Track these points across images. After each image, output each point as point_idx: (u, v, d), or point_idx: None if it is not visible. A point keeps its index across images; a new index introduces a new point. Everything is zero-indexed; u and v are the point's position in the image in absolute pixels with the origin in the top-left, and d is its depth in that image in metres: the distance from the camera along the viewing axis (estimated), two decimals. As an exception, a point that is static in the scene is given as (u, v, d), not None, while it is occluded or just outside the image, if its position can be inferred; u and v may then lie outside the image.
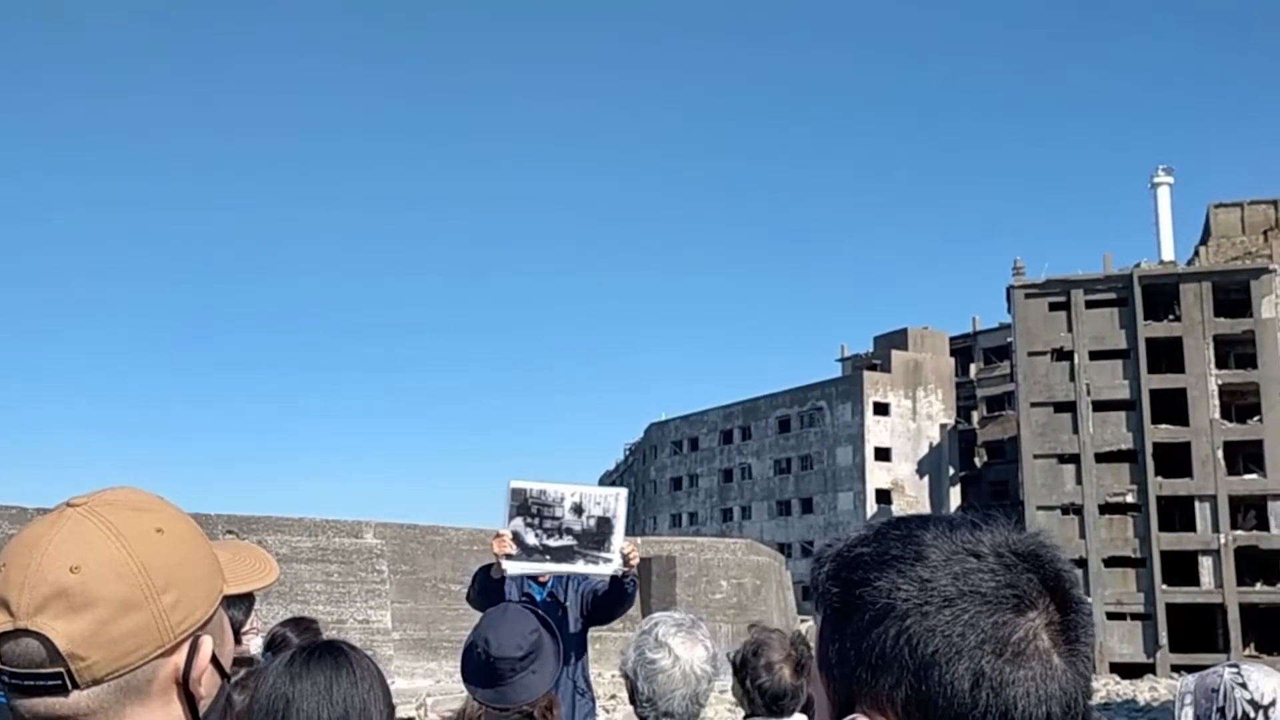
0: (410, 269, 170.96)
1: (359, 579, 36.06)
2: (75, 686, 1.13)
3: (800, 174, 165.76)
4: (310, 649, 2.09)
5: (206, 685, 1.23)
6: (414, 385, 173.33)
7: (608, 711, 25.20)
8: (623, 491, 5.30)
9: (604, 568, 5.09)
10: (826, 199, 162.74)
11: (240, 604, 3.82)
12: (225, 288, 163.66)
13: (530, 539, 5.07)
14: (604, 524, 5.10)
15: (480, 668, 3.49)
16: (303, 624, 4.22)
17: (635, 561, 5.15)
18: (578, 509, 5.09)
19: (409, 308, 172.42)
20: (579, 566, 5.09)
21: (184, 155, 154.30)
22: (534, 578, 5.31)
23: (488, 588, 5.21)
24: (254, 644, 3.90)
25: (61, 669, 1.12)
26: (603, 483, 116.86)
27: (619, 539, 5.12)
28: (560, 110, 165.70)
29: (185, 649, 1.20)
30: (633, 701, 3.04)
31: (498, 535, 5.11)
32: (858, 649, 0.97)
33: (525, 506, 5.10)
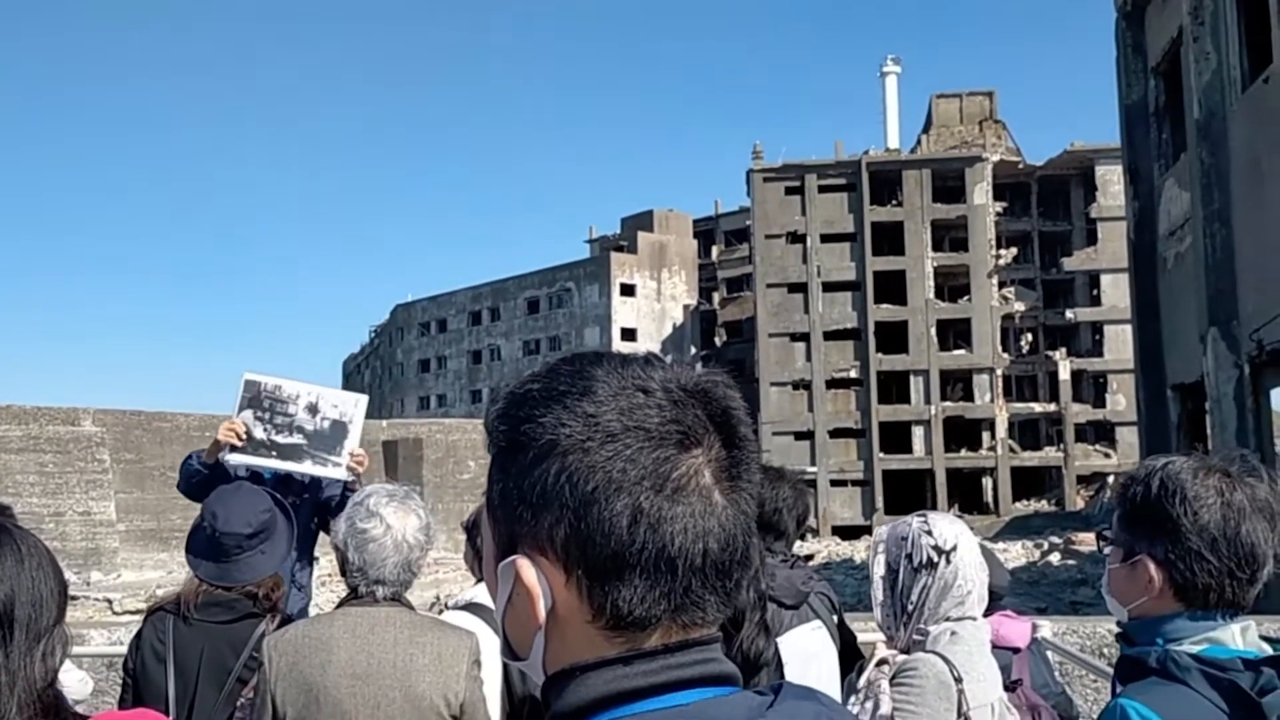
0: (132, 138, 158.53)
1: (77, 469, 33.84)
2: None
3: (550, 56, 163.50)
4: None
5: None
6: (136, 264, 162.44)
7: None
8: (363, 398, 5.18)
9: (331, 471, 4.99)
10: (577, 85, 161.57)
11: None
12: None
13: (259, 432, 4.91)
14: (338, 427, 4.99)
15: (206, 543, 3.34)
16: None
17: (361, 469, 5.00)
18: (313, 409, 4.96)
19: (128, 177, 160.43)
20: (305, 466, 4.96)
21: None
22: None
23: (201, 476, 4.94)
24: None
25: None
26: (348, 366, 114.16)
27: (351, 444, 5.00)
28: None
29: None
30: (343, 573, 2.97)
31: (228, 422, 4.91)
32: (520, 488, 0.93)
33: (258, 399, 4.93)
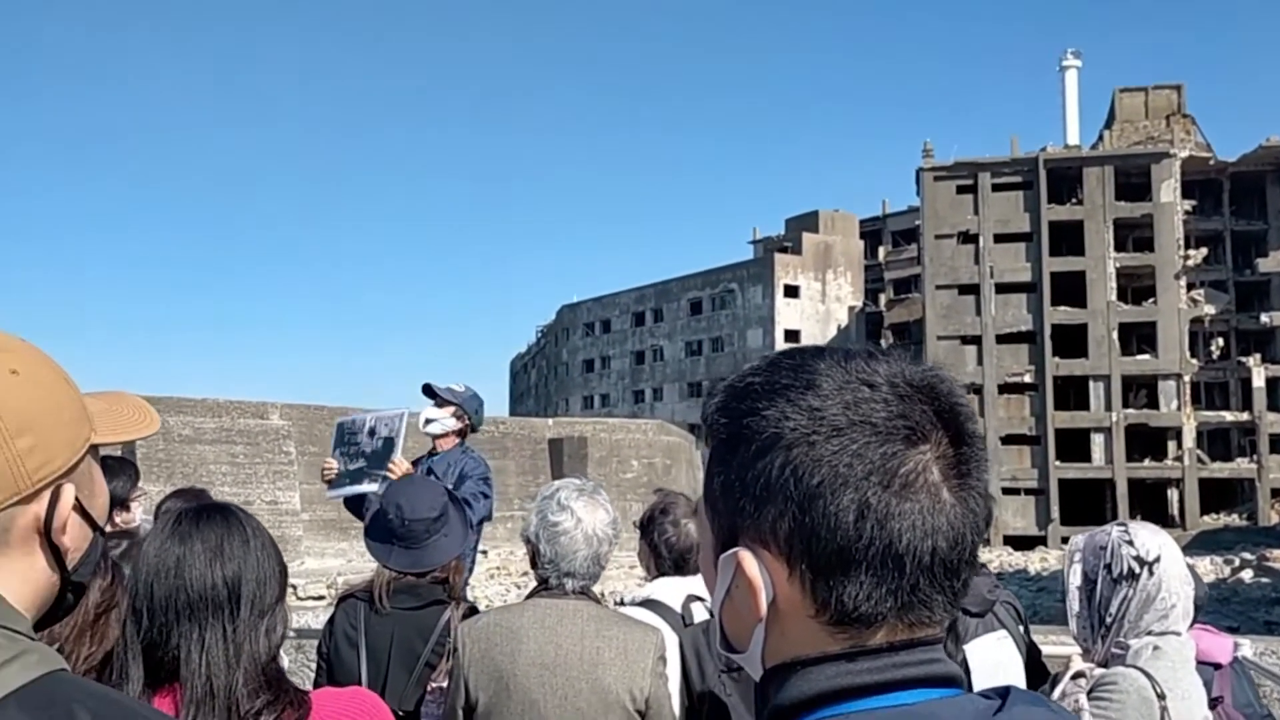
0: (325, 149, 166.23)
1: (265, 460, 35.70)
2: None
3: (717, 58, 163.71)
4: (198, 510, 2.04)
5: (72, 537, 1.15)
6: (318, 267, 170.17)
7: (516, 590, 25.62)
8: (404, 412, 5.53)
9: (380, 485, 5.30)
10: (742, 82, 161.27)
11: (123, 475, 3.71)
12: (126, 147, 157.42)
13: (342, 465, 5.47)
14: (388, 444, 5.37)
15: (394, 533, 3.45)
16: (192, 495, 4.11)
17: (393, 476, 5.21)
18: (371, 432, 5.42)
19: (318, 190, 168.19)
20: (365, 485, 5.37)
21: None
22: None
23: (349, 505, 5.65)
24: (138, 513, 3.79)
25: None
26: (515, 365, 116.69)
27: (395, 456, 5.37)
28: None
29: (46, 498, 1.11)
30: (534, 565, 3.04)
31: (325, 464, 5.59)
32: (742, 480, 0.93)
33: (342, 439, 5.54)
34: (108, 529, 1.27)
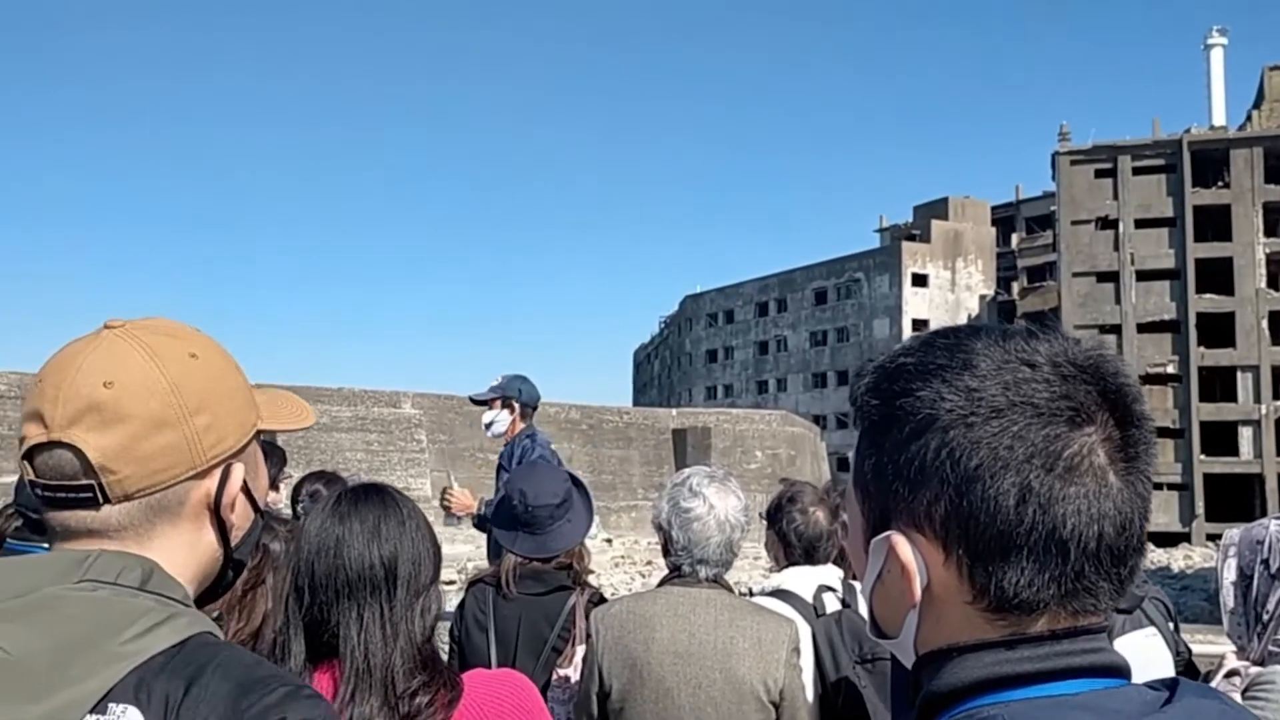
0: (450, 145, 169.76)
1: (398, 448, 36.66)
2: (106, 500, 1.14)
3: (842, 41, 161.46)
4: (356, 490, 2.10)
5: (239, 514, 1.24)
6: (453, 260, 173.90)
7: (641, 578, 25.76)
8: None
9: (448, 519, 5.74)
10: (869, 66, 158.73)
11: (272, 459, 3.84)
12: (264, 145, 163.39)
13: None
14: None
15: (519, 520, 3.49)
16: (328, 478, 4.24)
17: (450, 504, 5.61)
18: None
19: (446, 182, 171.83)
20: (451, 518, 5.75)
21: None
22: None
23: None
24: (284, 495, 3.93)
25: (93, 482, 1.13)
26: (638, 356, 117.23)
27: (450, 491, 5.72)
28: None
29: (217, 475, 1.20)
30: (666, 553, 3.03)
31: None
32: (895, 463, 0.91)
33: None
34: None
